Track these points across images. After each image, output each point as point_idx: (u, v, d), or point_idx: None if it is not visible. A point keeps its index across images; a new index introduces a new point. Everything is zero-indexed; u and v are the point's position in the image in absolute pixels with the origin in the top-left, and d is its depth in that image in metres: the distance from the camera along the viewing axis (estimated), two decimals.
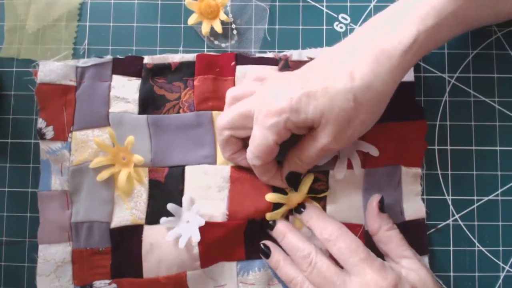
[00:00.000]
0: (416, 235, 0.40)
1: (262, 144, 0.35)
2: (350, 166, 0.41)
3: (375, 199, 0.39)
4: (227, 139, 0.38)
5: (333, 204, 0.41)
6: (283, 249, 0.39)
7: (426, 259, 0.40)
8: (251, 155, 0.37)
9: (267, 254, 0.39)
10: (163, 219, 0.39)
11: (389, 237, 0.38)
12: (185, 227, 0.39)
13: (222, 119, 0.38)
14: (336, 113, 0.34)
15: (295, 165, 0.38)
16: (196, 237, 0.38)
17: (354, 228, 0.40)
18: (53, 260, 0.40)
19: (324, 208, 0.40)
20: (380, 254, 0.39)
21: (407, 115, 0.41)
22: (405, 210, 0.41)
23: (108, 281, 0.40)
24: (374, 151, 0.40)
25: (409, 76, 0.42)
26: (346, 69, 0.34)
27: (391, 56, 0.33)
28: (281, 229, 0.39)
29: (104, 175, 0.40)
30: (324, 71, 0.35)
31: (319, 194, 0.40)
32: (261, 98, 0.36)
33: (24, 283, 0.41)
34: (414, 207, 0.41)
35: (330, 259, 0.36)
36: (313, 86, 0.34)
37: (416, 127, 0.41)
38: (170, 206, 0.39)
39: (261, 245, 0.39)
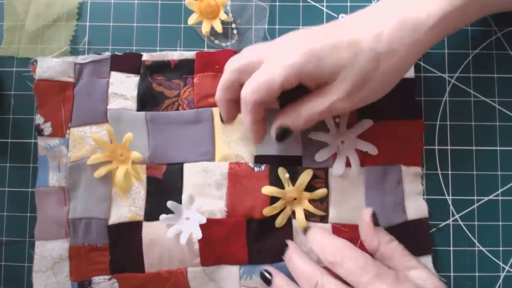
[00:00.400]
0: (419, 234, 0.40)
1: (266, 79, 0.33)
2: (348, 164, 0.41)
3: (367, 213, 0.37)
4: (231, 83, 0.36)
5: (336, 206, 0.40)
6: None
7: (429, 258, 0.40)
8: (248, 88, 0.35)
9: (268, 280, 0.38)
10: (162, 216, 0.39)
11: (391, 251, 0.36)
12: (185, 224, 0.39)
13: (233, 61, 0.36)
14: (356, 71, 0.33)
15: (291, 119, 0.36)
16: (198, 234, 0.38)
17: (358, 230, 0.40)
18: (50, 256, 0.40)
19: (326, 210, 0.40)
20: None
21: (406, 114, 0.41)
22: (407, 210, 0.41)
23: (107, 277, 0.40)
24: (373, 150, 0.40)
25: (409, 73, 0.42)
26: (374, 29, 0.33)
27: (418, 29, 0.33)
28: (289, 252, 0.38)
29: (101, 171, 0.40)
30: (352, 26, 0.34)
31: (316, 192, 0.40)
32: (279, 44, 0.35)
33: (24, 283, 0.41)
34: (416, 207, 0.41)
35: (339, 280, 0.35)
36: (339, 37, 0.33)
37: (414, 126, 0.41)
38: (170, 204, 0.39)
39: (262, 271, 0.39)
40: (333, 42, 0.33)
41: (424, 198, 0.41)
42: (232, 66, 0.36)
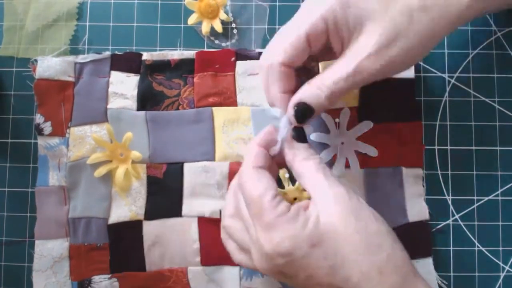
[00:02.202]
0: (419, 236, 0.40)
1: (292, 35, 0.32)
2: (348, 166, 0.41)
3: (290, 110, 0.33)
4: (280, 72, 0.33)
5: None
6: None
7: (430, 260, 0.40)
8: (269, 50, 0.33)
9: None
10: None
11: (303, 168, 0.32)
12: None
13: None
14: (387, 24, 0.31)
15: (311, 92, 0.32)
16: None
17: None
18: (50, 255, 0.40)
19: None
20: None
21: (406, 115, 0.41)
22: (408, 212, 0.41)
23: (107, 276, 0.40)
24: (372, 152, 0.40)
25: (409, 73, 0.42)
26: None
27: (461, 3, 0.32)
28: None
29: (101, 171, 0.40)
30: None
31: None
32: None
33: (24, 283, 0.41)
34: (417, 209, 0.41)
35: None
36: None
37: (414, 128, 0.41)
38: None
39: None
40: None
41: (424, 199, 0.41)
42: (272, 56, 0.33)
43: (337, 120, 0.41)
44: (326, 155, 0.40)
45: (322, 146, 0.41)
